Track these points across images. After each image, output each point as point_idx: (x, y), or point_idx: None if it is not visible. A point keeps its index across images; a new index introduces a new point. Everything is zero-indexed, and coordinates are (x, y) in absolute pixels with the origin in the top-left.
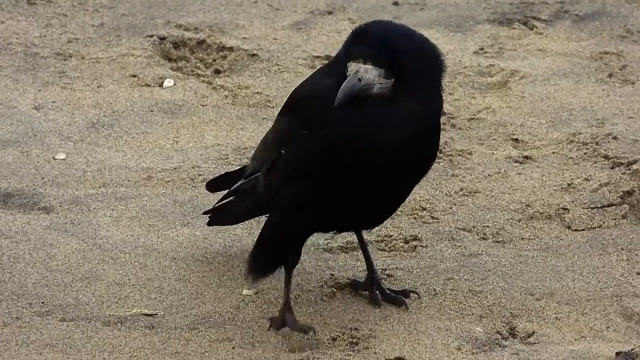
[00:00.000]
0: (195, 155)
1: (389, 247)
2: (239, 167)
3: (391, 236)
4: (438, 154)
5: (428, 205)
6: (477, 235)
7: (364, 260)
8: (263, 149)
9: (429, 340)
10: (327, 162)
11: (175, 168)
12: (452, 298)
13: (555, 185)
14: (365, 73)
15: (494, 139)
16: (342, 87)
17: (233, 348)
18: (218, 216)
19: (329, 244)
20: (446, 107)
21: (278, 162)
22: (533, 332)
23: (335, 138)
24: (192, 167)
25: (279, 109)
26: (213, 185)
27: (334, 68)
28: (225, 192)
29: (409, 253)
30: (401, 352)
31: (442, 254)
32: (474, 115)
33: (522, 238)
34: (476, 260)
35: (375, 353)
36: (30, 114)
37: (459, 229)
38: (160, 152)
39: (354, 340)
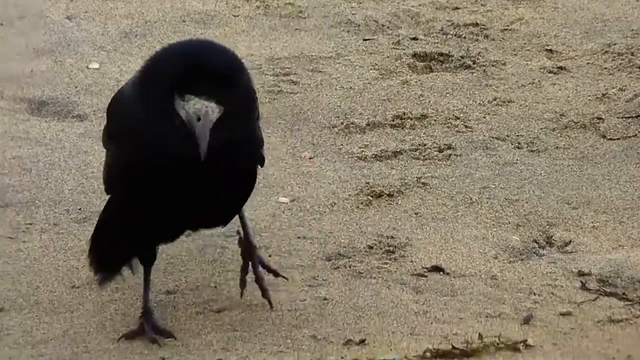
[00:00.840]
0: None
1: (423, 156)
2: None
3: (425, 145)
4: (472, 65)
5: (461, 115)
6: (512, 144)
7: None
8: None
9: (466, 249)
10: (130, 175)
11: None
12: (488, 206)
13: (589, 95)
14: (212, 113)
15: (527, 50)
16: (198, 135)
17: (270, 256)
18: None
19: (363, 152)
20: (478, 18)
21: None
22: (570, 241)
23: (127, 154)
24: None
25: (311, 20)
26: None
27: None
28: None
29: (444, 162)
30: (437, 261)
31: (477, 162)
32: (507, 26)
33: (557, 147)
34: (511, 169)
35: (411, 261)
36: (63, 23)
37: (493, 137)
38: None
39: (390, 248)
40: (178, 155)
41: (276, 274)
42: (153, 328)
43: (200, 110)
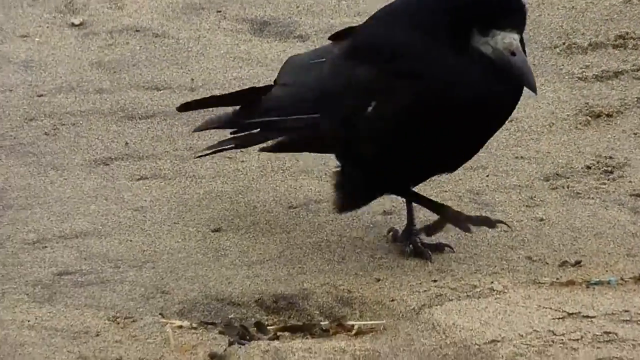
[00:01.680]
0: None
1: None
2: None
3: None
4: None
5: None
6: None
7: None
8: (323, 92)
9: None
10: (423, 115)
11: None
12: None
13: None
14: (519, 48)
15: None
16: (522, 70)
17: (487, 176)
18: (245, 141)
19: (584, 73)
20: None
21: (362, 113)
22: None
23: (432, 91)
24: None
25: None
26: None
27: (424, 20)
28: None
29: None
30: None
31: None
32: None
33: None
34: None
35: (630, 182)
36: None
37: None
38: None
39: (609, 168)
40: (490, 93)
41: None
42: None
43: (512, 44)
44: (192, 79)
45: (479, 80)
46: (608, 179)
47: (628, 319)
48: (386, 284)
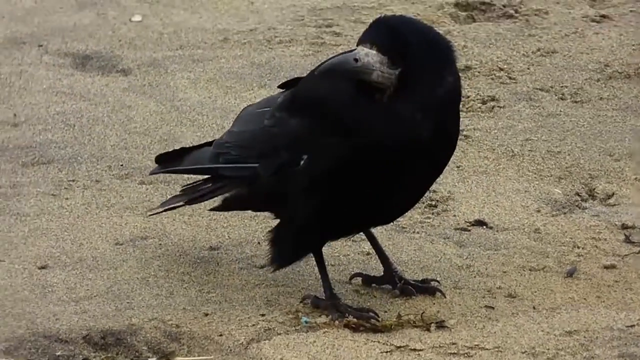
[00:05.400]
0: (270, 16)
1: (467, 108)
2: (195, 145)
3: (469, 97)
4: (514, 14)
5: (505, 66)
6: (556, 95)
7: (376, 255)
8: (262, 143)
9: (508, 202)
10: (355, 169)
11: (251, 30)
12: (530, 159)
13: (634, 45)
14: (366, 56)
15: None
16: (332, 59)
17: None
18: (194, 196)
19: None
20: None
21: (295, 167)
22: (613, 193)
23: (362, 144)
24: (268, 29)
25: None
26: (163, 158)
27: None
28: (186, 167)
29: (487, 113)
30: (480, 215)
31: (520, 114)
32: None
33: (601, 98)
34: (554, 120)
35: (454, 215)
36: None
37: (536, 89)
38: (236, 14)
39: (433, 202)
40: (421, 132)
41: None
42: (355, 312)
43: (357, 51)
44: (15, 114)
45: (395, 125)
46: (432, 213)
47: (455, 351)
48: (214, 318)
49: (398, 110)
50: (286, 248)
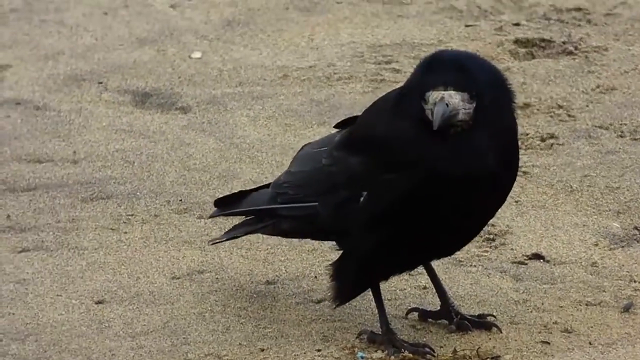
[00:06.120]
0: (330, 53)
1: (526, 145)
2: (254, 187)
3: (528, 134)
4: (574, 50)
5: (565, 103)
6: (615, 132)
7: (433, 289)
8: (320, 182)
9: (566, 236)
10: (418, 203)
11: (310, 66)
12: (588, 194)
13: None
14: (450, 98)
15: (630, 35)
16: (435, 113)
17: None
18: (256, 227)
19: None
20: (581, 2)
21: (355, 204)
22: None
23: (427, 177)
24: (328, 65)
25: (413, 6)
26: (222, 201)
27: (403, 105)
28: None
29: (546, 151)
30: (538, 248)
31: (579, 151)
32: (610, 10)
33: None
34: (613, 157)
35: (512, 249)
36: (167, 12)
37: (595, 126)
38: (296, 50)
39: (491, 236)
40: (481, 168)
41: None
42: (410, 347)
43: (442, 97)
44: (75, 152)
45: (455, 155)
46: (490, 247)
47: None
48: (270, 353)
49: (474, 142)
50: (348, 283)
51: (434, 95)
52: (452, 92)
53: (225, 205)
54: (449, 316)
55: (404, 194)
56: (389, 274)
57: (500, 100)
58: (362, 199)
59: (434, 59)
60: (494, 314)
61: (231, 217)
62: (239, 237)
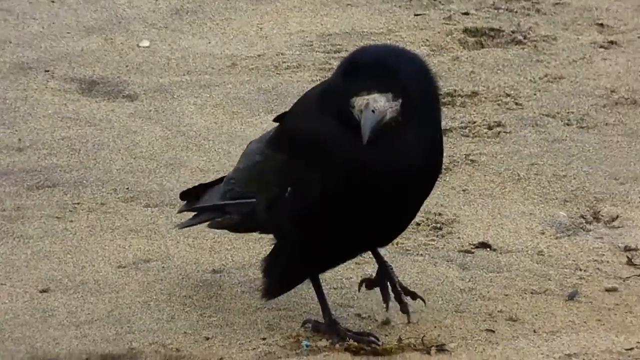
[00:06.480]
0: (279, 41)
1: (473, 133)
2: (214, 180)
3: (475, 122)
4: (523, 40)
5: (512, 92)
6: (562, 121)
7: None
8: (256, 179)
9: (513, 224)
10: (342, 200)
11: (259, 55)
12: (535, 183)
13: None
14: (375, 103)
15: (578, 24)
16: (362, 124)
17: None
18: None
19: None
20: None
21: (282, 200)
22: (617, 216)
23: (350, 176)
24: (276, 54)
25: None
26: (187, 195)
27: (327, 102)
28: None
29: (493, 139)
30: (485, 237)
31: (526, 139)
32: (559, 0)
33: (607, 123)
34: (560, 145)
35: (459, 238)
36: (115, 0)
37: (543, 114)
38: (244, 39)
39: (438, 225)
40: (407, 166)
41: (414, 296)
42: (355, 335)
43: (366, 103)
44: (20, 139)
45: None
46: (437, 236)
47: None
48: (215, 342)
49: (400, 138)
50: (277, 278)
51: (358, 102)
52: (376, 96)
53: (188, 198)
54: (382, 284)
55: (328, 191)
56: (321, 268)
57: (426, 91)
58: (286, 194)
59: (354, 62)
60: (440, 302)
61: (177, 204)
62: (205, 222)
